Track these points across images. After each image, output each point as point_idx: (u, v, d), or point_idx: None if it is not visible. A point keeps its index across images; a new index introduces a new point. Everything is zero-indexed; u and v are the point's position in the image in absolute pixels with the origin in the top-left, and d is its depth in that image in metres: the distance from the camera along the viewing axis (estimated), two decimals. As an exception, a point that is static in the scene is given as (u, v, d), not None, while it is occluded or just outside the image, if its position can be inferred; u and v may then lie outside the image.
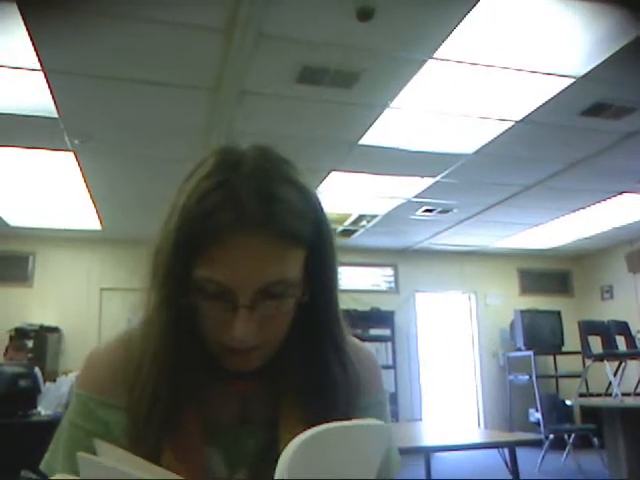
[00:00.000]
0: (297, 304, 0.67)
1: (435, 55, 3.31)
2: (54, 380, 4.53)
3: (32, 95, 3.72)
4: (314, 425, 0.69)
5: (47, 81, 3.52)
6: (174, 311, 0.66)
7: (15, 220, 6.58)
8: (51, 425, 0.82)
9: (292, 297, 0.66)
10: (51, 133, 4.24)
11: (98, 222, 6.69)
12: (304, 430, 0.69)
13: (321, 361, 0.72)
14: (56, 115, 3.97)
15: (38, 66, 3.34)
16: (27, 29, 2.98)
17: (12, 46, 3.18)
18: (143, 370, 0.68)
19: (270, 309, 0.65)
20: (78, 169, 5.02)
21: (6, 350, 5.45)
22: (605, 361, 5.95)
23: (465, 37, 3.14)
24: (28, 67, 3.37)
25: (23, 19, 2.90)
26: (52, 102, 3.78)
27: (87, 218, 6.52)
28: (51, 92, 3.65)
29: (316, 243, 0.68)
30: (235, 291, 0.63)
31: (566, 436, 6.61)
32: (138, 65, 3.40)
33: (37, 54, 3.22)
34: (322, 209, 0.70)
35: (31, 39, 3.07)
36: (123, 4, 2.85)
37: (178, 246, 0.64)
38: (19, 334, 6.59)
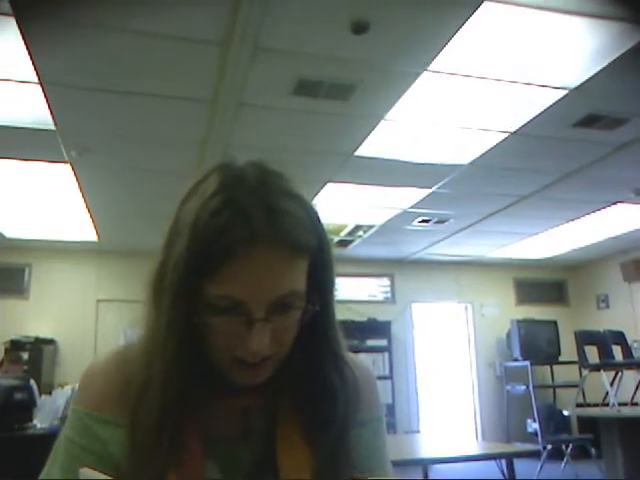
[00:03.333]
0: (304, 315, 0.69)
1: (430, 68, 3.34)
2: (50, 393, 4.50)
3: (29, 108, 3.73)
4: (313, 439, 0.70)
5: (44, 94, 3.53)
6: (184, 332, 0.67)
7: (11, 232, 6.57)
8: (47, 438, 0.82)
9: (299, 308, 0.68)
10: (48, 145, 4.25)
11: (95, 234, 6.68)
12: (303, 444, 0.70)
13: (320, 371, 0.73)
14: (53, 127, 3.98)
15: (35, 79, 3.36)
16: (25, 42, 3.00)
17: (9, 59, 3.20)
18: (150, 391, 0.68)
19: (282, 321, 0.67)
20: (75, 181, 5.03)
21: (1, 363, 5.42)
22: (602, 371, 5.95)
23: (459, 50, 3.17)
24: (25, 80, 3.39)
25: (21, 32, 2.92)
26: (49, 114, 3.79)
27: (83, 230, 6.51)
28: (48, 104, 3.67)
29: (318, 254, 0.70)
30: (249, 305, 0.64)
31: (564, 446, 6.59)
32: (135, 78, 3.42)
33: (34, 67, 3.23)
34: (320, 220, 0.72)
35: (28, 52, 3.09)
36: (121, 17, 2.87)
37: (189, 266, 0.65)
38: (14, 346, 6.55)
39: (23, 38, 2.97)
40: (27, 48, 3.05)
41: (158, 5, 2.78)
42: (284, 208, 0.66)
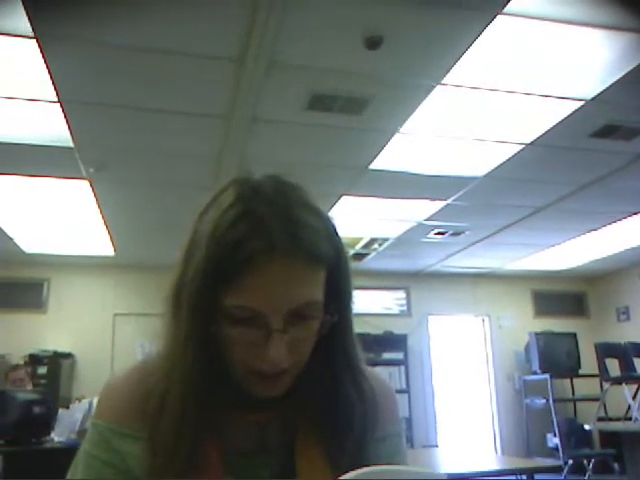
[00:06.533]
0: (322, 326, 0.69)
1: (443, 81, 3.34)
2: (67, 406, 4.53)
3: (49, 126, 3.80)
4: (331, 453, 0.70)
5: (63, 112, 3.60)
6: (201, 342, 0.67)
7: (30, 247, 6.66)
8: (64, 452, 0.83)
9: (317, 319, 0.68)
10: (67, 162, 4.32)
11: (112, 248, 6.75)
12: (321, 458, 0.69)
13: (337, 385, 0.73)
14: (72, 144, 4.05)
15: (55, 97, 3.42)
16: (45, 62, 3.07)
17: (30, 79, 3.27)
18: (169, 402, 0.68)
19: (299, 331, 0.67)
20: (93, 197, 5.09)
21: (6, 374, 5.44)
22: (623, 384, 5.85)
23: (474, 62, 3.17)
24: (45, 99, 3.45)
25: (41, 53, 2.99)
26: (68, 132, 3.86)
27: (101, 244, 6.58)
28: (67, 122, 3.73)
29: (335, 264, 0.70)
30: (267, 316, 0.65)
31: (585, 461, 6.47)
32: (152, 94, 3.47)
33: (54, 86, 3.30)
34: (337, 231, 0.72)
35: (48, 72, 3.16)
36: (138, 35, 2.92)
37: (208, 277, 0.65)
38: (33, 360, 6.61)
39: (43, 58, 3.03)
40: (47, 68, 3.12)
41: (174, 23, 2.83)
42: (301, 219, 0.66)
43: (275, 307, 0.64)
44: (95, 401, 0.78)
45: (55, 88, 3.32)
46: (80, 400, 4.59)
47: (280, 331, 0.65)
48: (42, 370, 6.56)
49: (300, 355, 0.69)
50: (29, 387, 5.13)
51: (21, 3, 2.61)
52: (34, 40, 2.88)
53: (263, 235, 0.64)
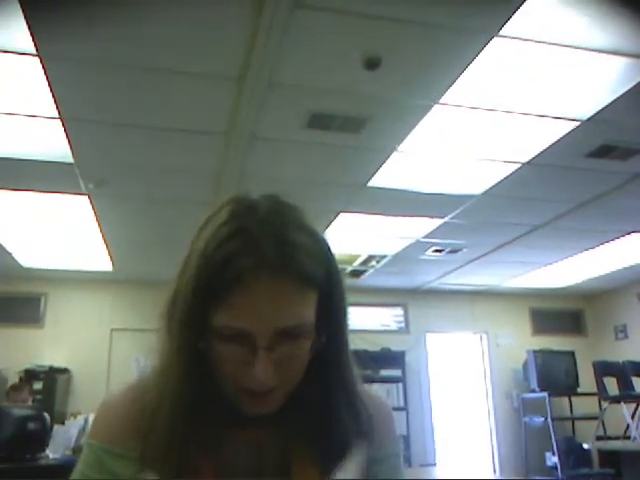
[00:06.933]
0: (313, 346, 0.69)
1: (441, 100, 3.38)
2: (62, 422, 4.50)
3: (49, 142, 3.83)
4: (328, 474, 0.69)
5: (64, 128, 3.62)
6: (191, 358, 0.68)
7: (28, 261, 6.66)
8: (59, 469, 0.83)
9: (308, 339, 0.68)
10: (67, 178, 4.34)
11: (110, 263, 6.75)
12: (317, 478, 0.69)
13: (331, 407, 0.73)
14: (72, 160, 4.07)
15: (56, 114, 3.45)
16: (47, 80, 3.10)
17: (32, 95, 3.30)
18: (159, 417, 0.69)
19: (287, 350, 0.66)
20: (92, 212, 5.10)
21: (7, 392, 5.42)
22: (622, 403, 5.83)
23: (471, 83, 3.21)
24: (46, 115, 3.48)
25: (43, 70, 3.02)
26: (68, 148, 3.88)
27: (99, 259, 6.58)
28: (67, 138, 3.75)
29: (327, 285, 0.69)
30: (254, 334, 0.64)
31: (584, 481, 6.41)
32: (153, 112, 3.50)
33: (55, 103, 3.33)
34: (331, 252, 0.72)
35: (50, 89, 3.19)
36: (139, 54, 2.96)
37: (196, 292, 0.66)
38: (28, 375, 6.57)
39: (45, 75, 3.07)
40: (49, 85, 3.15)
41: (175, 42, 2.87)
42: (294, 239, 0.66)
43: (262, 326, 0.64)
44: (91, 417, 0.79)
45: (56, 105, 3.35)
46: (75, 416, 4.57)
47: (266, 349, 0.65)
48: (38, 385, 6.51)
49: (291, 372, 0.69)
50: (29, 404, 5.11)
51: (24, 21, 2.65)
52: (37, 58, 2.92)
53: (252, 253, 0.64)
